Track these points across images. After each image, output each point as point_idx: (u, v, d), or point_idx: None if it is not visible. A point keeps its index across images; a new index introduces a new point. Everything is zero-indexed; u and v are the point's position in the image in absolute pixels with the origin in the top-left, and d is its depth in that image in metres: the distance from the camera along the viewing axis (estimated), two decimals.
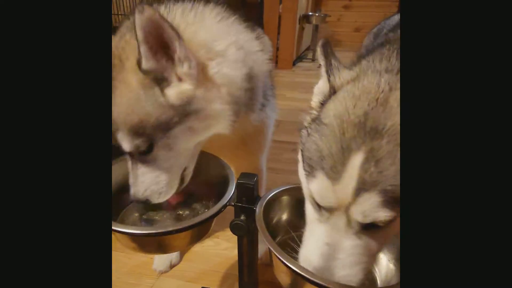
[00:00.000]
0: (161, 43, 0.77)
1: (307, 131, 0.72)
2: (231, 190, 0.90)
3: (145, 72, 0.77)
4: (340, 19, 5.87)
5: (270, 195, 0.90)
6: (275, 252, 0.72)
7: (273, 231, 0.86)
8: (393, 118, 0.59)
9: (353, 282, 0.65)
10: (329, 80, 0.73)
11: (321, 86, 0.76)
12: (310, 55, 5.29)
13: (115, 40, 0.85)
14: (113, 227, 0.78)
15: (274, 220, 0.94)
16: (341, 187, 0.61)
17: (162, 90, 0.79)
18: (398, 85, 0.63)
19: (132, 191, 0.91)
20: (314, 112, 0.75)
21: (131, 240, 0.83)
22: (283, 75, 4.31)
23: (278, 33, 4.54)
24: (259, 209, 0.84)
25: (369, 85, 0.66)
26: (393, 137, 0.58)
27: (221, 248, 1.44)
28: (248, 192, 0.85)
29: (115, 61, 0.81)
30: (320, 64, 0.76)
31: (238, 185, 0.85)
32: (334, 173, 0.62)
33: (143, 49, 0.74)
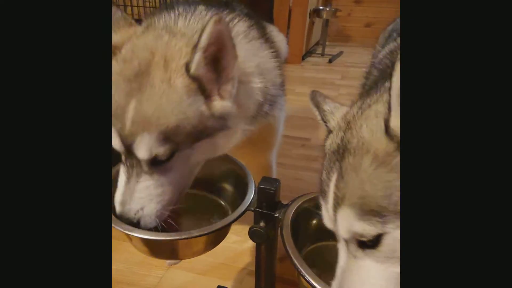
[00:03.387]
0: (215, 57, 0.77)
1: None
2: (250, 195, 0.87)
3: (193, 78, 0.76)
4: (350, 14, 5.81)
5: (298, 204, 0.86)
6: (303, 273, 0.71)
7: (300, 241, 0.83)
8: (359, 136, 0.63)
9: None
10: (326, 126, 0.79)
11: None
12: (319, 50, 5.26)
13: (150, 38, 0.83)
14: (127, 231, 0.78)
15: (302, 228, 0.89)
16: (328, 206, 0.65)
17: (205, 100, 0.79)
18: (371, 103, 0.68)
19: (121, 208, 0.79)
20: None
21: (144, 244, 0.82)
22: (292, 70, 4.30)
23: (288, 27, 4.52)
24: (286, 221, 0.80)
25: (348, 115, 0.72)
26: (358, 151, 0.61)
27: (230, 242, 1.45)
28: (269, 198, 0.81)
29: (157, 59, 0.77)
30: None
31: (258, 190, 0.81)
32: (324, 195, 0.67)
33: (198, 55, 0.74)
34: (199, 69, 0.76)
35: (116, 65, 0.79)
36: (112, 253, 0.51)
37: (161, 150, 0.76)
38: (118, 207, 0.80)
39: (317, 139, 2.31)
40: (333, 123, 0.77)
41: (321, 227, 0.90)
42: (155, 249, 0.85)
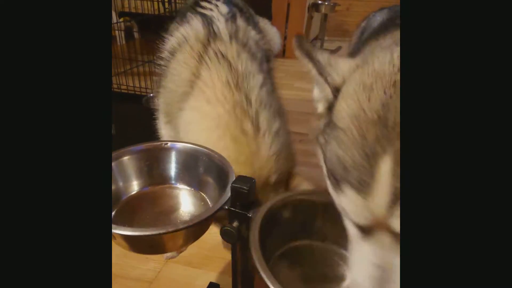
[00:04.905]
0: None
1: (324, 137, 0.62)
2: (228, 192, 0.84)
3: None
4: (349, 9, 5.79)
5: (269, 206, 0.81)
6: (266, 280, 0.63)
7: (274, 241, 0.79)
8: None
9: None
10: (327, 82, 0.61)
11: (318, 92, 0.65)
12: (318, 45, 5.24)
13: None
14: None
15: (274, 230, 0.83)
16: (374, 201, 0.51)
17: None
18: None
19: None
20: (324, 118, 0.65)
21: (123, 239, 0.84)
22: (291, 64, 4.28)
23: (287, 22, 4.50)
24: (255, 224, 0.74)
25: (381, 67, 0.55)
26: None
27: None
28: (242, 197, 0.79)
29: None
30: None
31: (232, 189, 0.80)
32: (363, 186, 0.51)
33: None
34: None
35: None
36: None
37: None
38: None
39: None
40: (337, 78, 0.60)
41: (297, 226, 0.85)
42: (130, 244, 0.88)
